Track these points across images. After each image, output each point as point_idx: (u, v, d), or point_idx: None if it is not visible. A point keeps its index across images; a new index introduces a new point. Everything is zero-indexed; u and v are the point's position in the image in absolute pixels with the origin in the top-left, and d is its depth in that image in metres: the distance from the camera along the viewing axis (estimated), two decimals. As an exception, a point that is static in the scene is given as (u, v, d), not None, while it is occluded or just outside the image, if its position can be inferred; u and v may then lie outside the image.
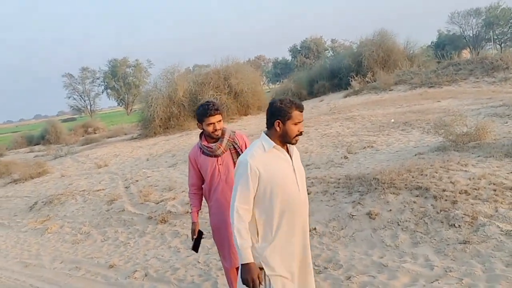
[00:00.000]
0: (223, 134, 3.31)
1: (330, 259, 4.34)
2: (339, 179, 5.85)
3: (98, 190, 8.66)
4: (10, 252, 6.37)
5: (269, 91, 31.57)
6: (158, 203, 6.88)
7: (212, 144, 3.29)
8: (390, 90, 16.82)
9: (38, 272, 5.41)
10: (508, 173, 4.96)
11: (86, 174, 11.26)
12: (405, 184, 5.02)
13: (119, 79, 78.15)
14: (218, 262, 4.52)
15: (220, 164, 3.31)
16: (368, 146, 7.95)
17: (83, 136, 28.14)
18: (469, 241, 4.00)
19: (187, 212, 6.21)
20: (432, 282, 3.61)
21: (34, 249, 6.30)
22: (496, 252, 3.79)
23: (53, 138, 26.85)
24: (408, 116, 10.37)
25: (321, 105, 17.52)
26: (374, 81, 17.28)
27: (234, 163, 3.20)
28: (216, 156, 3.30)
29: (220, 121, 3.27)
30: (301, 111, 2.49)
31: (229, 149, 3.33)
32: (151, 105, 17.49)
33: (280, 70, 79.57)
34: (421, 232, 4.35)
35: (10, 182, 12.58)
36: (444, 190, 4.75)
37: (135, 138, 18.61)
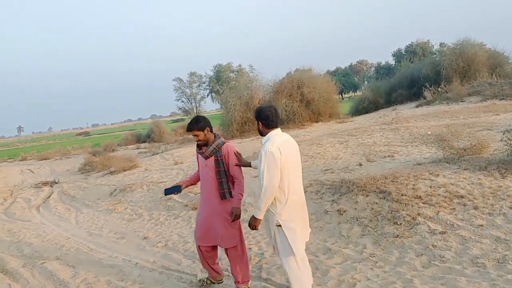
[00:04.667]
0: (212, 142, 4.13)
1: (296, 243, 5.43)
2: (334, 182, 6.83)
3: (161, 182, 10.53)
4: (83, 224, 8.37)
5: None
6: (197, 194, 8.41)
7: (203, 148, 4.22)
8: (461, 101, 16.60)
9: (96, 239, 7.24)
10: (467, 184, 5.57)
11: (162, 169, 13.31)
12: (375, 188, 5.88)
13: (223, 83, 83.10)
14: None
15: (206, 165, 4.23)
16: (388, 156, 8.65)
17: (181, 136, 31.06)
18: (400, 236, 4.84)
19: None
20: (355, 263, 4.58)
21: (100, 224, 8.22)
22: (414, 245, 4.61)
23: (157, 137, 29.99)
24: (450, 129, 10.60)
25: (390, 114, 17.84)
26: (446, 92, 17.09)
27: (215, 167, 4.14)
28: (205, 157, 4.20)
29: (196, 135, 4.09)
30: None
31: (213, 155, 4.13)
32: (229, 111, 19.34)
33: (382, 75, 77.66)
34: (371, 227, 5.25)
35: (107, 173, 15.19)
36: (403, 195, 5.54)
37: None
